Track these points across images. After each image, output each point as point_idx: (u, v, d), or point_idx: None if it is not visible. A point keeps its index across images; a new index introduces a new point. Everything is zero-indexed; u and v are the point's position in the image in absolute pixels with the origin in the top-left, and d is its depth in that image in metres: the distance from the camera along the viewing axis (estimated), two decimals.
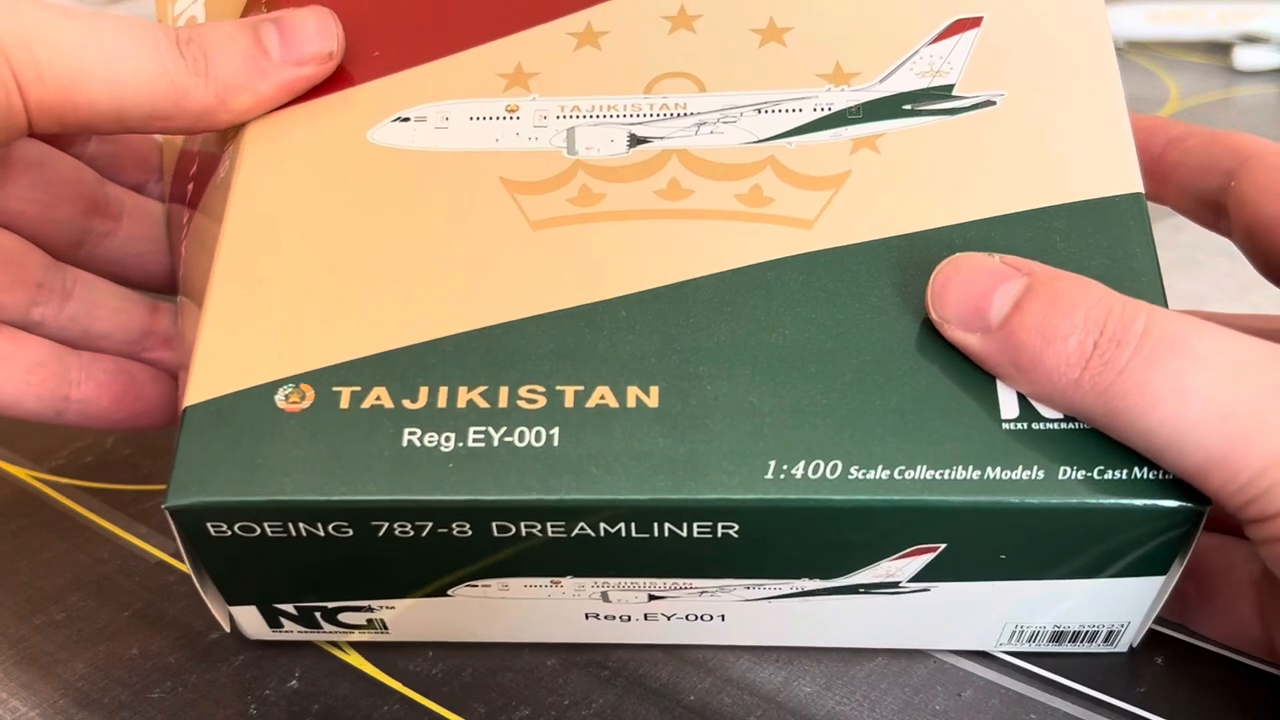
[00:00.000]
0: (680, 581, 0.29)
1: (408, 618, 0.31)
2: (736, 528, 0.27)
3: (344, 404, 0.28)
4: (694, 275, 0.29)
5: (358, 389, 0.28)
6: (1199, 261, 0.44)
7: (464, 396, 0.28)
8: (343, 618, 0.31)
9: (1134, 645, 0.31)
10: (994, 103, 0.32)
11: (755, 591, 0.29)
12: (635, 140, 0.31)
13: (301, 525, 0.27)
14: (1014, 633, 0.30)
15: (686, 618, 0.30)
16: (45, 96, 0.28)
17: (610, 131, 0.32)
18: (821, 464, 0.27)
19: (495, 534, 0.27)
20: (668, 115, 0.32)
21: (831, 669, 0.32)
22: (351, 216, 0.30)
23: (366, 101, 0.32)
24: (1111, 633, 0.30)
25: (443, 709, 0.31)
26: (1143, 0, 0.65)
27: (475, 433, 0.27)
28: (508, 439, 0.27)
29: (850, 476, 0.27)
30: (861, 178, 0.31)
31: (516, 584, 0.29)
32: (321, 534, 0.27)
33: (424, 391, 0.28)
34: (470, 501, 0.27)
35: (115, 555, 0.35)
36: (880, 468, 0.27)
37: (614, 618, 0.30)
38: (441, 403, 0.28)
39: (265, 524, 0.27)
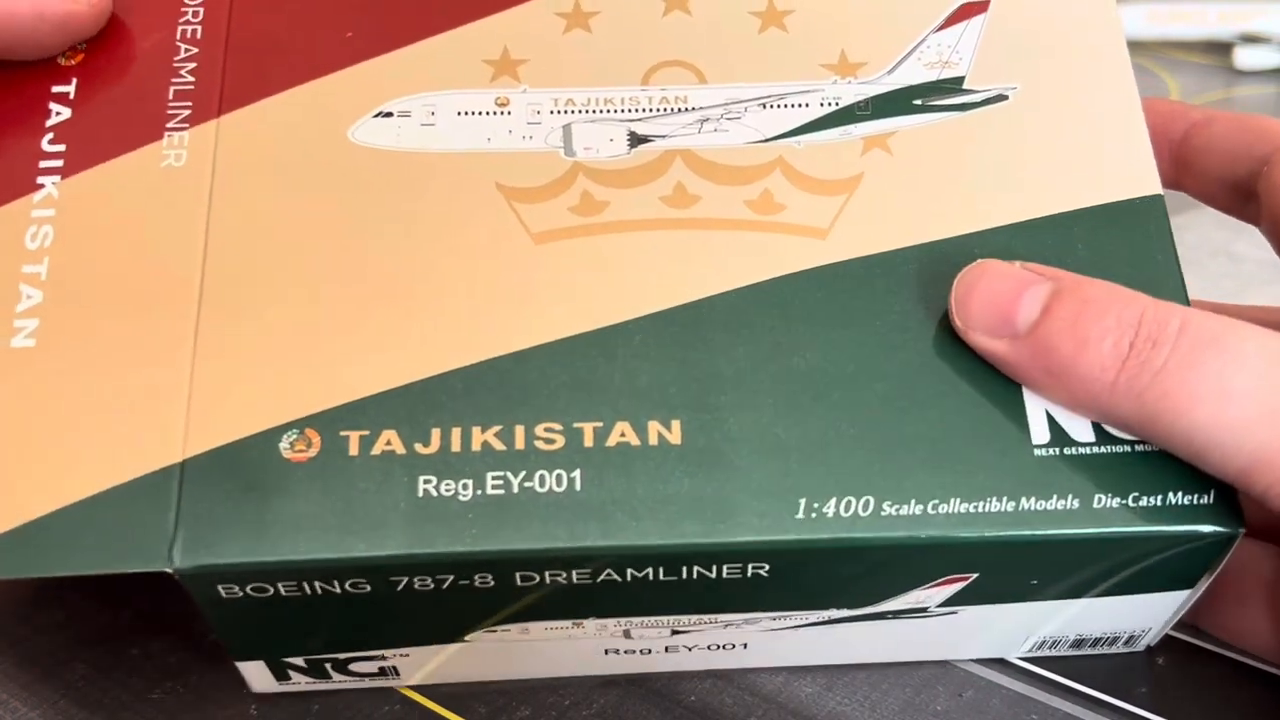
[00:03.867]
0: (705, 617, 0.28)
1: (422, 664, 0.30)
2: (767, 568, 0.26)
3: (353, 450, 0.26)
4: (707, 294, 0.28)
5: (366, 433, 0.27)
6: (1199, 261, 0.43)
7: (478, 438, 0.27)
8: (354, 667, 0.30)
9: (1151, 646, 0.31)
10: (1006, 97, 0.31)
11: (780, 622, 0.29)
12: (636, 139, 0.30)
13: (317, 584, 0.26)
14: (1036, 643, 0.30)
15: (709, 647, 0.30)
16: None
17: (609, 129, 0.30)
18: (853, 500, 0.26)
19: (519, 583, 0.26)
20: (668, 110, 0.30)
21: (832, 670, 0.31)
22: (340, 232, 0.28)
23: (344, 92, 0.30)
24: (1132, 637, 0.30)
25: (443, 709, 0.31)
26: (1143, 0, 0.64)
27: (494, 479, 0.26)
28: (528, 484, 0.26)
29: (883, 513, 0.26)
30: (874, 181, 0.29)
31: (537, 627, 0.28)
32: (338, 591, 0.26)
33: (436, 434, 0.27)
34: (492, 553, 0.26)
35: None
36: (913, 502, 0.26)
37: (634, 651, 0.30)
38: (456, 446, 0.26)
39: (279, 584, 0.26)
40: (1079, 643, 0.31)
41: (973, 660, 0.32)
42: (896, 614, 0.29)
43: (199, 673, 0.31)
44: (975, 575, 0.27)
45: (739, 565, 0.26)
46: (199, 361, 0.27)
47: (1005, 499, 0.26)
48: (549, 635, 0.29)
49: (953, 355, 0.28)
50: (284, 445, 0.26)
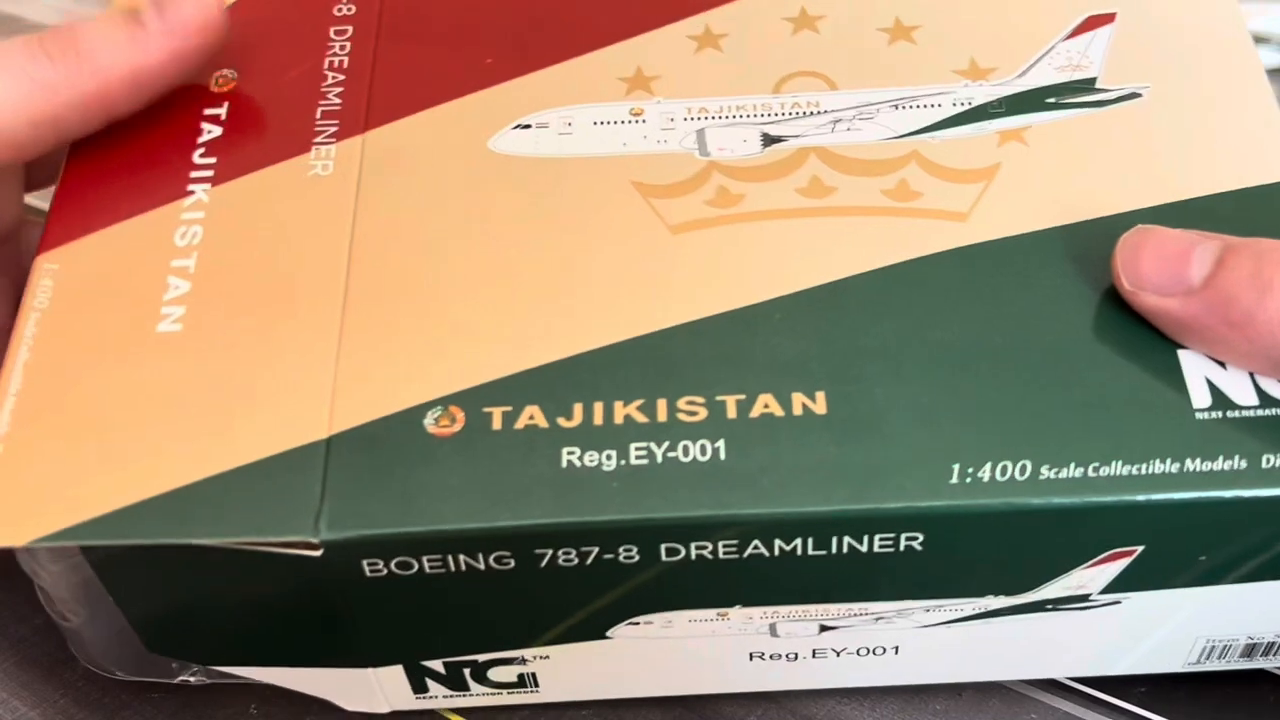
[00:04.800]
0: (856, 607, 0.27)
1: (562, 669, 0.29)
2: (921, 538, 0.25)
3: (496, 425, 0.26)
4: (846, 274, 0.28)
5: (509, 409, 0.26)
6: None
7: (620, 412, 0.26)
8: (493, 674, 0.29)
9: None
10: (1139, 95, 0.31)
11: (934, 615, 0.28)
12: (769, 140, 0.30)
13: (462, 558, 0.26)
14: (1205, 649, 0.29)
15: (858, 652, 0.29)
16: None
17: (742, 132, 0.30)
18: (1009, 465, 0.25)
19: (664, 557, 0.26)
20: (800, 114, 0.31)
21: None
22: (481, 228, 0.29)
23: (483, 109, 0.31)
24: None
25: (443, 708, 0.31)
26: None
27: (637, 450, 0.26)
28: (671, 454, 0.26)
29: (1042, 477, 0.25)
30: (1013, 169, 0.29)
31: (681, 619, 0.28)
32: (482, 566, 0.26)
33: (579, 409, 0.26)
34: (639, 521, 0.25)
35: None
36: (1073, 465, 0.25)
37: (780, 656, 0.29)
38: (598, 419, 0.26)
39: (424, 558, 0.26)
40: (1250, 649, 0.29)
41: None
42: (1056, 605, 0.27)
43: (200, 672, 0.31)
44: (1141, 549, 0.26)
45: (891, 536, 0.25)
46: (344, 346, 0.27)
47: (1169, 461, 0.25)
48: (693, 630, 0.28)
49: (1104, 326, 0.27)
50: (428, 421, 0.26)
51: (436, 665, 0.29)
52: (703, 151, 0.30)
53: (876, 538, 0.25)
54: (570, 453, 0.26)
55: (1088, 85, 0.31)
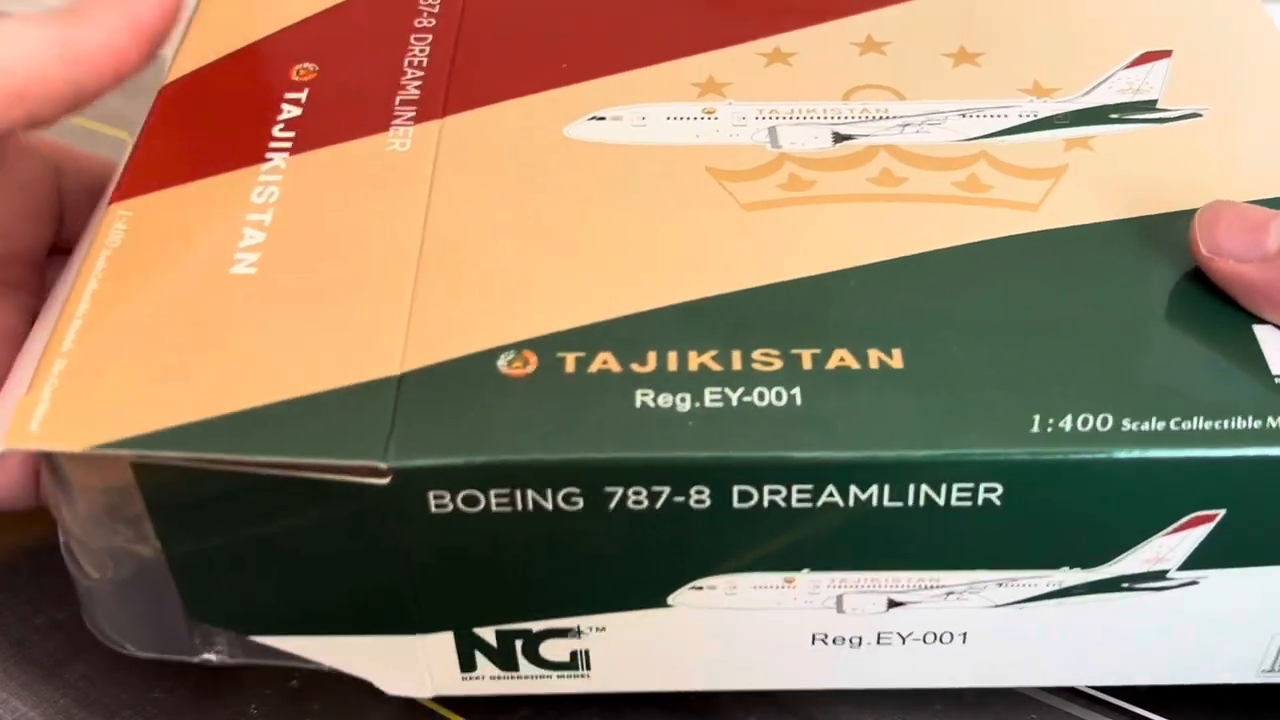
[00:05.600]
0: (926, 578, 0.27)
1: (617, 646, 0.28)
2: (1000, 490, 0.25)
3: (570, 368, 0.26)
4: (919, 250, 0.28)
5: (582, 354, 0.26)
6: None
7: (695, 360, 0.26)
8: (545, 651, 0.28)
9: None
10: (1200, 115, 0.31)
11: (1007, 591, 0.27)
12: (839, 138, 0.31)
13: (531, 494, 0.25)
14: None
15: (924, 639, 0.28)
16: None
17: (813, 130, 0.31)
18: (1090, 417, 0.25)
19: (735, 503, 0.25)
20: (869, 118, 0.31)
21: None
22: (556, 197, 0.29)
23: (558, 104, 0.32)
24: None
25: (443, 707, 0.30)
26: None
27: (712, 393, 0.26)
28: (746, 399, 0.25)
29: (1123, 429, 0.25)
30: (1081, 170, 0.30)
31: (745, 585, 0.27)
32: (550, 506, 0.25)
33: (652, 356, 0.26)
34: (712, 459, 0.25)
35: None
36: (1154, 419, 0.25)
37: (844, 641, 0.28)
38: (672, 366, 0.26)
39: (492, 493, 0.25)
40: None
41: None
42: (1131, 584, 0.27)
43: (200, 672, 0.30)
44: (1222, 513, 0.25)
45: (969, 487, 0.25)
46: (419, 293, 0.27)
47: (1251, 418, 0.25)
48: (756, 600, 0.27)
49: (1181, 303, 0.27)
50: (501, 363, 0.26)
51: (488, 635, 0.28)
52: (774, 145, 0.31)
53: (955, 488, 0.25)
54: (644, 394, 0.26)
55: (1149, 105, 0.31)
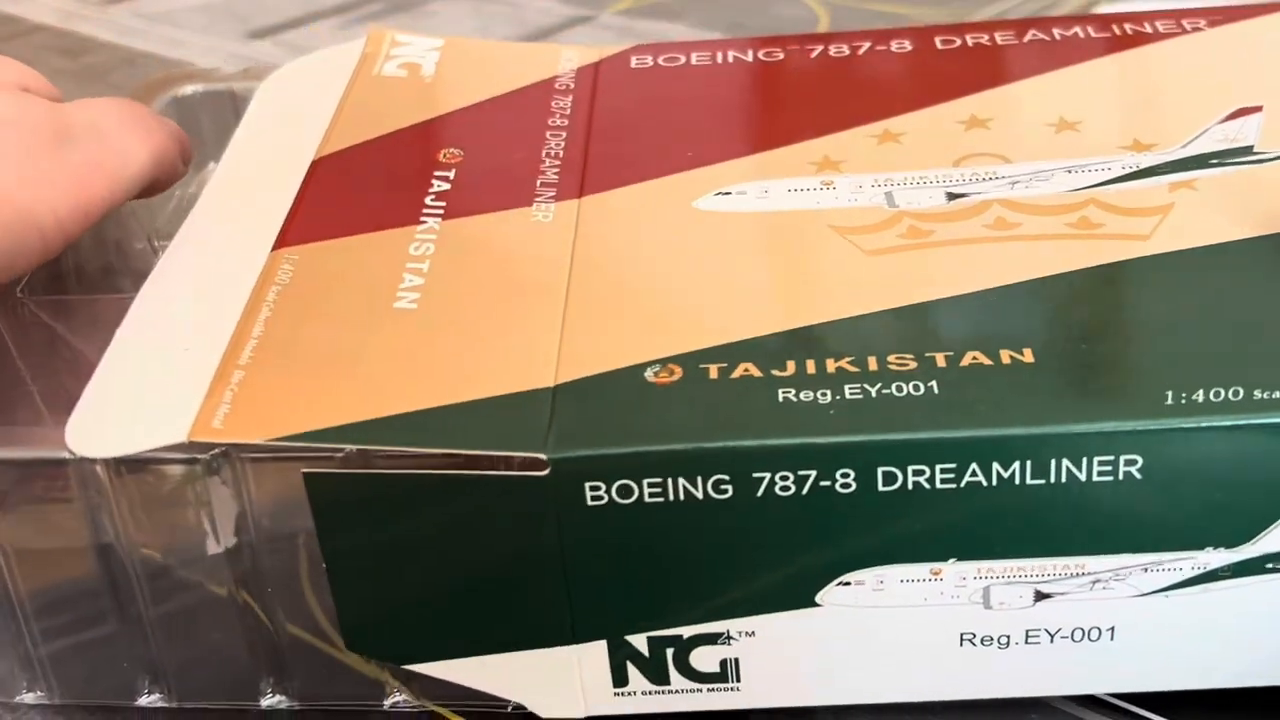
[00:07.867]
0: (1072, 564, 0.27)
1: (767, 653, 0.28)
2: (1140, 463, 0.26)
3: (713, 376, 0.28)
4: (1038, 275, 0.30)
5: (724, 365, 0.28)
6: None
7: (832, 365, 0.28)
8: (695, 661, 0.29)
9: None
10: None
11: (1152, 577, 0.27)
12: (953, 196, 0.33)
13: (681, 483, 0.26)
14: None
15: (1072, 636, 0.28)
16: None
17: (927, 191, 0.33)
18: (1222, 390, 0.26)
19: (880, 485, 0.26)
20: (980, 179, 0.33)
21: None
22: (689, 247, 0.32)
23: (685, 184, 0.34)
24: None
25: (443, 708, 0.31)
26: (1144, 1, 0.67)
27: (851, 389, 0.27)
28: (885, 391, 0.27)
29: (1256, 397, 0.26)
30: (1187, 205, 0.31)
31: (893, 578, 0.27)
32: (700, 495, 0.26)
33: (791, 364, 0.28)
34: (855, 442, 0.26)
35: None
36: None
37: (991, 641, 0.28)
38: (811, 370, 0.27)
39: (645, 483, 0.26)
40: None
41: None
42: (1276, 563, 0.27)
43: None
44: None
45: (1110, 460, 0.26)
46: (568, 322, 0.29)
47: None
48: (905, 596, 0.27)
49: None
50: (648, 374, 0.28)
51: (640, 644, 0.28)
52: (891, 205, 0.33)
53: (1096, 461, 0.26)
54: (786, 392, 0.27)
55: (1246, 150, 0.33)
